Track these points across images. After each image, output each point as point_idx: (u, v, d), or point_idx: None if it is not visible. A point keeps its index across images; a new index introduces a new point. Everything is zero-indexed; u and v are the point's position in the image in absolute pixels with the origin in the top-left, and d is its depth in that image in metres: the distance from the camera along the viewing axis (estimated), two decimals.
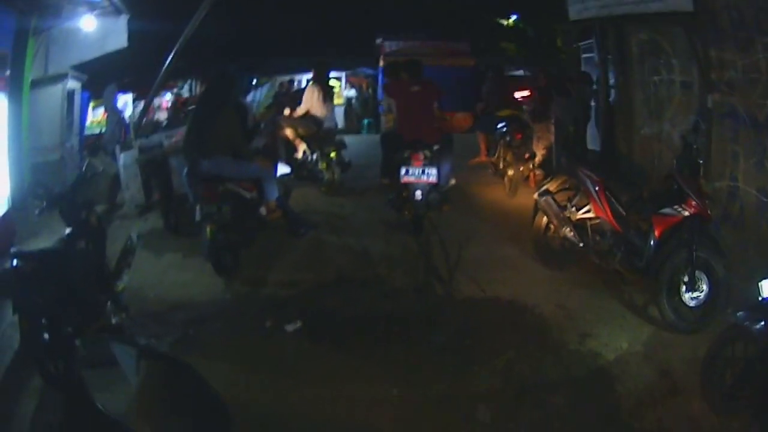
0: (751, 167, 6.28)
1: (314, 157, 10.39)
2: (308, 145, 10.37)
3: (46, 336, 3.95)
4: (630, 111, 8.46)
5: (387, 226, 8.13)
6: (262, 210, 6.89)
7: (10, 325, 5.09)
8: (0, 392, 4.55)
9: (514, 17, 24.00)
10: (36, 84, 11.16)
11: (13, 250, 4.74)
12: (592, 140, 10.70)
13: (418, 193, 7.44)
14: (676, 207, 5.33)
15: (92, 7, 10.91)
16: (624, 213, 5.81)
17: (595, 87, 11.39)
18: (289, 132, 10.39)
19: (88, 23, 11.09)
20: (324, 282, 6.45)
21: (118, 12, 11.23)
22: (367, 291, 6.16)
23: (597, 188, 5.91)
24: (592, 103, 11.59)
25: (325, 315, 5.63)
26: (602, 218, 5.89)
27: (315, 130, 10.24)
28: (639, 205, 5.81)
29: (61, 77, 12.14)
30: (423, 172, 7.42)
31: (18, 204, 8.80)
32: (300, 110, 10.39)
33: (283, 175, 8.08)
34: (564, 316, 5.51)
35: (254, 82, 20.18)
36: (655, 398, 4.29)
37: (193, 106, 7.00)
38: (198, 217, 6.31)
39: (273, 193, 6.88)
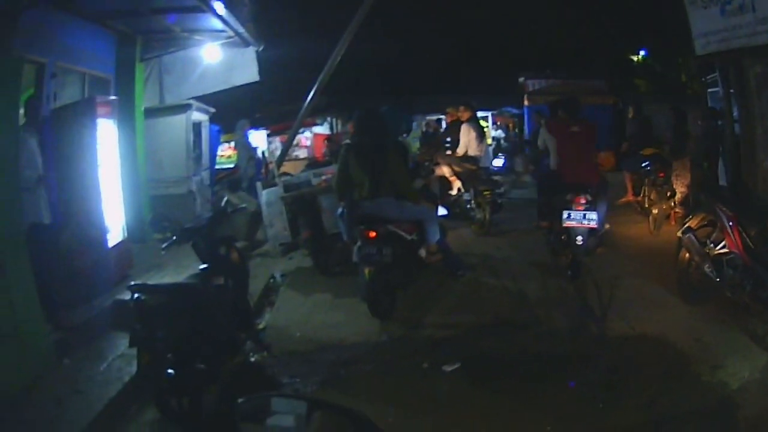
0: None
1: (468, 196, 10.55)
2: (463, 184, 10.58)
3: (170, 371, 3.95)
4: (753, 144, 8.49)
5: (542, 268, 8.27)
6: (422, 252, 6.79)
7: (119, 357, 5.24)
8: (105, 423, 4.46)
9: (642, 53, 23.68)
10: (152, 113, 10.95)
11: (132, 283, 4.64)
12: (722, 175, 10.58)
13: (579, 238, 7.35)
14: None
15: (214, 37, 10.56)
16: (753, 246, 5.90)
17: (720, 122, 11.33)
18: (445, 170, 10.63)
19: (210, 53, 10.93)
20: (482, 324, 6.52)
21: (245, 43, 10.88)
22: (524, 333, 6.26)
23: (731, 223, 6.05)
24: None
25: (483, 356, 5.72)
26: (735, 252, 6.00)
27: (472, 169, 10.41)
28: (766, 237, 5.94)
29: (182, 108, 11.65)
30: (584, 216, 7.32)
31: (135, 235, 8.62)
32: (460, 150, 10.62)
33: (441, 216, 8.10)
34: (700, 349, 5.70)
35: (413, 122, 20.06)
36: None
37: (345, 145, 6.95)
38: (356, 258, 6.24)
39: (435, 235, 6.78)
